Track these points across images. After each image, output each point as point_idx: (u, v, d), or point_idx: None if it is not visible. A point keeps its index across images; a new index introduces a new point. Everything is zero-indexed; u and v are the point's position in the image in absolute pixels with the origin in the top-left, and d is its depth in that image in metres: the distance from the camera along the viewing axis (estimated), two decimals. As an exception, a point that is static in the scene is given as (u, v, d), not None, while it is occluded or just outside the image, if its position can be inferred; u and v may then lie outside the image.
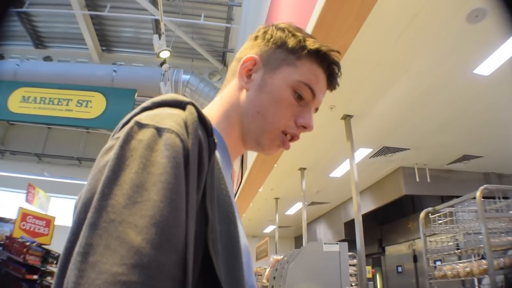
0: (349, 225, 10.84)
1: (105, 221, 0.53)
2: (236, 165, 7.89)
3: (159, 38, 8.31)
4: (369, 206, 9.68)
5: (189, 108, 0.69)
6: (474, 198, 3.49)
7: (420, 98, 5.56)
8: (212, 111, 0.95)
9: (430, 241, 4.16)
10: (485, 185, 3.51)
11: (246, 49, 0.99)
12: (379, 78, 5.03)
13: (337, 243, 4.28)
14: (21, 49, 13.15)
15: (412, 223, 9.01)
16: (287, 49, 0.93)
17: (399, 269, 9.40)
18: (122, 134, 0.63)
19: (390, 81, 5.10)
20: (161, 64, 8.69)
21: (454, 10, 3.85)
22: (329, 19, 2.33)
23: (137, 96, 9.71)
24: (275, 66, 0.93)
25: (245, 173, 6.06)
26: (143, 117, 0.65)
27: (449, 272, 3.73)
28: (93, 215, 0.54)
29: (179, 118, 0.66)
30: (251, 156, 5.32)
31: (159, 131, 0.62)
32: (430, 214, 4.14)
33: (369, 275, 8.92)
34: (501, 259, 3.56)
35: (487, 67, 4.71)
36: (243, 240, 0.76)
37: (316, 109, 1.00)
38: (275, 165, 5.87)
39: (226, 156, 0.90)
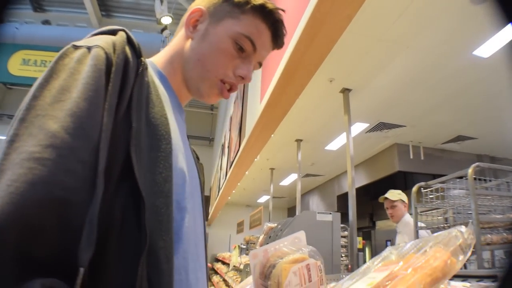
0: (342, 198, 10.98)
1: (32, 116, 0.61)
2: (234, 133, 7.94)
3: (161, 4, 8.25)
4: (362, 180, 9.79)
5: (120, 33, 0.81)
6: (466, 175, 3.57)
7: (419, 75, 5.60)
8: (160, 56, 1.02)
9: (421, 215, 4.27)
10: (477, 163, 3.59)
11: (198, 2, 1.04)
12: (380, 53, 5.06)
13: (330, 213, 4.37)
14: (19, 13, 13.04)
15: (404, 199, 9.12)
16: (233, 3, 0.97)
17: (388, 243, 9.58)
18: (58, 54, 0.72)
19: (390, 56, 5.13)
20: (162, 30, 8.65)
21: (458, -10, 3.87)
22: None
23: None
24: (219, 18, 0.97)
25: (242, 141, 6.11)
26: (80, 42, 0.75)
27: (438, 245, 3.85)
28: (23, 112, 0.62)
29: (109, 39, 0.76)
30: (249, 125, 5.37)
31: (89, 48, 0.72)
32: (422, 188, 4.23)
33: (360, 246, 9.13)
34: (489, 235, 3.68)
35: (486, 49, 4.74)
36: (181, 164, 0.82)
37: (260, 64, 1.04)
38: (272, 135, 5.92)
39: (172, 95, 0.96)
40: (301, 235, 0.91)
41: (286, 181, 12.81)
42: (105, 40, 0.75)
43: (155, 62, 1.00)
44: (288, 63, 3.22)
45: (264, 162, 10.16)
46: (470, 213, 3.56)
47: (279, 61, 3.52)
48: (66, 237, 0.56)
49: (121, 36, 0.79)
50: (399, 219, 4.65)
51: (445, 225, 3.98)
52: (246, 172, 8.89)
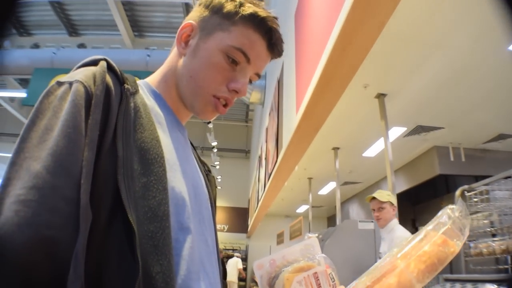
0: (383, 205, 10.82)
1: (21, 159, 0.63)
2: (270, 144, 7.96)
3: (192, 20, 8.40)
4: (402, 185, 9.63)
5: (101, 63, 0.81)
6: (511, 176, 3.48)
7: (455, 75, 5.50)
8: (155, 75, 1.02)
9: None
10: (522, 162, 3.50)
11: (190, 16, 1.02)
12: (414, 55, 5.00)
13: (372, 221, 4.33)
14: (55, 38, 13.49)
15: (446, 203, 8.79)
16: (223, 15, 0.94)
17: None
18: (43, 92, 0.74)
19: (424, 58, 5.06)
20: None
21: (490, -14, 3.80)
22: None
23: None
24: (209, 31, 0.95)
25: (280, 152, 6.12)
26: (64, 77, 0.76)
27: (485, 250, 3.75)
28: (13, 155, 0.65)
29: (90, 71, 0.76)
30: (286, 136, 5.39)
31: (70, 84, 0.72)
32: (465, 192, 4.14)
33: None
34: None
35: (522, 43, 4.63)
36: (179, 184, 0.83)
37: (258, 75, 1.02)
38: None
39: (169, 113, 0.96)
40: (313, 242, 0.86)
41: (325, 190, 12.72)
42: (85, 73, 0.76)
43: (150, 82, 0.99)
44: (323, 74, 3.22)
45: (301, 171, 10.13)
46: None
47: (313, 71, 3.53)
48: (57, 272, 0.59)
49: (101, 66, 0.79)
50: (386, 223, 4.14)
51: (495, 228, 3.88)
52: (285, 183, 8.90)
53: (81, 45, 13.35)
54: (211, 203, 1.04)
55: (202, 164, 1.14)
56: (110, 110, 0.74)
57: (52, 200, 0.61)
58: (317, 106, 3.91)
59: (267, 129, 9.17)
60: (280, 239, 14.03)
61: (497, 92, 5.97)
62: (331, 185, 11.72)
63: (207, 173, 1.13)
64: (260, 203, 11.07)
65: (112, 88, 0.77)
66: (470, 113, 6.76)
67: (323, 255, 0.81)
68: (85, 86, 0.72)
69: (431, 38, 4.64)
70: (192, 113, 1.03)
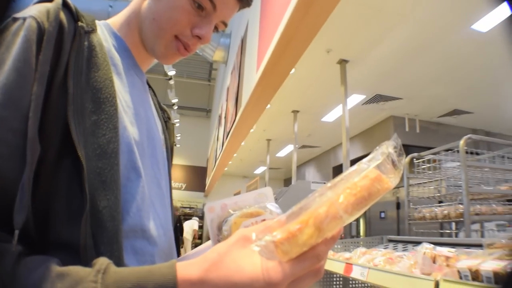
0: (338, 170, 11.04)
1: None
2: (230, 103, 7.94)
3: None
4: (358, 152, 9.84)
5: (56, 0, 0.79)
6: (458, 147, 3.61)
7: (418, 48, 5.59)
8: (117, 17, 0.99)
9: (412, 185, 4.32)
10: (469, 135, 3.62)
11: None
12: (379, 25, 5.04)
13: (325, 182, 4.39)
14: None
15: (398, 172, 9.19)
16: None
17: (382, 215, 9.66)
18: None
19: (389, 29, 5.11)
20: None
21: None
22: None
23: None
24: None
25: (239, 111, 6.13)
26: (19, 13, 0.75)
27: (428, 214, 3.92)
28: None
29: (44, 7, 0.75)
30: (246, 94, 5.38)
31: (24, 19, 0.71)
32: (415, 159, 4.27)
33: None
34: (478, 206, 3.74)
35: (485, 24, 4.73)
36: (131, 125, 0.83)
37: (225, 24, 0.99)
38: (269, 106, 5.94)
39: (128, 57, 0.95)
40: (267, 191, 0.86)
41: (283, 152, 12.87)
42: (39, 9, 0.74)
43: (111, 23, 0.96)
44: (284, 33, 3.21)
45: (260, 133, 10.19)
46: (461, 183, 3.60)
47: (275, 30, 3.51)
48: (2, 201, 0.60)
49: (56, 2, 0.77)
50: None
51: (440, 195, 4.05)
52: (242, 143, 8.92)
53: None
54: (166, 148, 1.04)
55: (162, 110, 1.13)
56: (62, 47, 0.73)
57: (3, 130, 0.62)
58: (277, 66, 3.91)
59: (228, 88, 9.12)
60: (236, 198, 14.15)
61: (456, 69, 6.13)
62: (289, 148, 11.85)
63: (166, 120, 1.12)
64: (217, 162, 11.11)
65: (66, 25, 0.76)
66: (428, 87, 6.93)
67: (275, 204, 0.80)
68: (37, 22, 0.71)
69: (397, 10, 4.68)
70: (153, 58, 1.01)
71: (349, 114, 5.41)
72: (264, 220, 0.75)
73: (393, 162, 0.68)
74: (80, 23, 0.79)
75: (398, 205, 9.19)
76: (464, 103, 7.65)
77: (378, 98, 7.59)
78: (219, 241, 0.77)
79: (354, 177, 0.65)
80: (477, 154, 4.18)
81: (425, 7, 4.61)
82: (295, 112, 8.45)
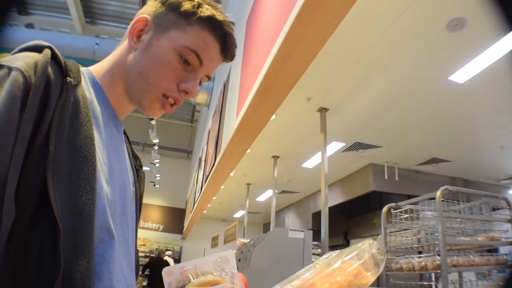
0: (317, 216, 11.02)
1: None
2: (210, 147, 7.95)
3: (145, 14, 8.29)
4: (337, 199, 9.86)
5: (45, 51, 0.77)
6: (435, 198, 3.63)
7: (396, 98, 5.70)
8: (100, 66, 0.97)
9: (390, 234, 4.31)
10: (445, 186, 3.66)
11: (144, 9, 0.99)
12: (358, 75, 5.14)
13: (302, 231, 4.37)
14: (3, 15, 12.85)
15: (378, 219, 9.21)
16: (179, 13, 0.92)
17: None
18: None
19: (368, 79, 5.22)
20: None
21: (435, 17, 3.97)
22: (310, 12, 2.40)
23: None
24: (164, 28, 0.92)
25: (218, 155, 6.12)
26: (4, 60, 0.73)
27: (405, 266, 3.90)
28: None
29: (32, 59, 0.72)
30: (226, 139, 5.39)
31: (9, 69, 0.68)
32: (392, 209, 4.28)
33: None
34: (455, 257, 3.73)
35: (462, 75, 4.86)
36: (106, 186, 0.81)
37: (208, 77, 1.00)
38: (249, 150, 5.95)
39: (107, 108, 0.92)
40: (229, 255, 0.83)
41: (262, 197, 12.81)
42: (26, 61, 0.72)
43: (94, 71, 0.95)
44: (263, 82, 3.26)
45: (240, 177, 10.16)
46: (437, 234, 3.61)
47: (255, 79, 3.56)
48: None
49: (45, 55, 0.75)
50: None
51: (418, 245, 4.03)
52: (222, 187, 8.88)
53: (29, 25, 12.75)
54: (136, 201, 1.02)
55: (135, 158, 1.11)
56: (48, 103, 0.71)
57: None
58: (256, 112, 3.95)
59: (209, 131, 9.15)
60: (214, 242, 13.97)
61: (434, 118, 6.24)
62: (269, 193, 11.81)
63: (137, 168, 1.10)
64: (196, 205, 11.01)
65: (53, 80, 0.73)
66: (406, 136, 7.03)
67: (235, 271, 0.80)
68: (24, 76, 0.68)
69: (376, 61, 4.79)
70: (134, 108, 1.00)
71: (328, 161, 5.43)
72: None
73: (375, 261, 0.68)
74: (68, 79, 0.77)
75: (376, 254, 9.18)
76: (442, 151, 7.77)
77: (357, 146, 7.66)
78: None
79: (336, 272, 0.66)
80: (457, 201, 4.21)
81: (403, 59, 4.72)
82: (275, 157, 8.46)
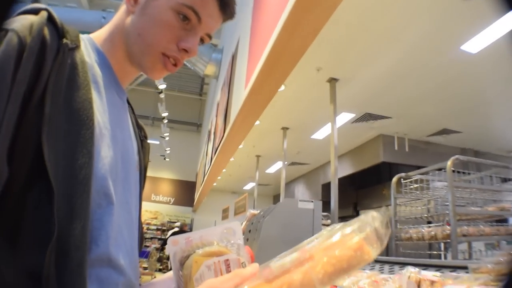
0: (327, 187, 11.00)
1: None
2: (219, 119, 7.93)
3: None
4: (347, 170, 9.86)
5: (42, 13, 0.76)
6: (445, 168, 3.62)
7: (407, 68, 5.63)
8: (100, 32, 0.97)
9: (400, 204, 4.31)
10: (456, 156, 3.64)
11: None
12: (368, 45, 5.07)
13: (312, 201, 4.39)
14: (11, -13, 12.82)
15: (387, 190, 9.16)
16: None
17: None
18: None
19: (378, 48, 5.15)
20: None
21: (447, -16, 3.88)
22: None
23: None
24: None
25: (227, 127, 6.11)
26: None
27: (415, 235, 3.91)
28: None
29: (27, 21, 0.72)
30: (234, 111, 5.37)
31: (6, 31, 0.68)
32: (402, 179, 4.28)
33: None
34: (465, 227, 3.74)
35: (474, 45, 4.78)
36: (106, 149, 0.80)
37: (210, 36, 0.99)
38: (258, 122, 5.93)
39: (109, 73, 0.92)
40: (235, 226, 0.82)
41: (272, 169, 12.85)
42: (22, 22, 0.71)
43: (94, 38, 0.95)
44: (272, 51, 3.22)
45: (250, 149, 10.18)
46: (448, 204, 3.60)
47: (263, 49, 3.52)
48: None
49: (41, 16, 0.75)
50: None
51: (428, 215, 4.04)
52: (232, 159, 8.90)
53: (36, 0, 12.76)
54: (140, 170, 1.01)
55: (139, 128, 1.10)
56: (43, 64, 0.70)
57: None
58: (265, 83, 3.92)
59: (218, 103, 9.12)
60: (225, 214, 14.09)
61: (445, 89, 6.17)
62: (279, 164, 11.83)
63: (142, 138, 1.09)
64: (206, 177, 11.06)
65: (49, 41, 0.73)
66: (417, 106, 6.97)
67: (241, 242, 0.79)
68: (19, 37, 0.68)
69: (386, 30, 4.71)
70: (138, 73, 1.01)
71: (338, 132, 5.41)
72: (227, 260, 0.74)
73: (378, 235, 0.66)
74: (64, 40, 0.77)
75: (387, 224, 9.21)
76: (453, 122, 7.70)
77: (367, 117, 7.62)
78: (180, 276, 0.74)
79: (335, 245, 0.64)
80: (464, 173, 4.19)
81: (414, 28, 4.64)
82: (285, 129, 8.45)
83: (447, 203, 3.62)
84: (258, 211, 5.05)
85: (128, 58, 0.95)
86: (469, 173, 4.28)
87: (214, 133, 9.23)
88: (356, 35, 4.85)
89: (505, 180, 4.29)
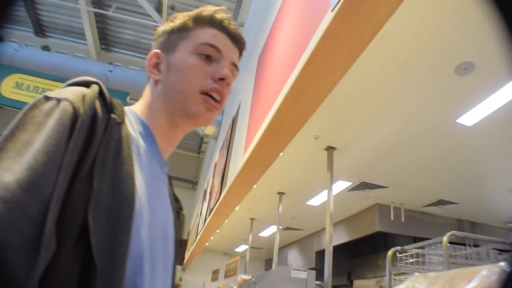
0: (321, 255, 10.86)
1: None
2: (216, 180, 7.94)
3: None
4: (342, 238, 9.75)
5: (93, 86, 0.79)
6: (442, 242, 3.59)
7: (404, 139, 5.69)
8: (139, 105, 1.01)
9: (395, 279, 4.24)
10: (452, 231, 3.61)
11: (152, 48, 1.06)
12: (366, 115, 5.15)
13: (305, 270, 4.33)
14: (21, 34, 13.18)
15: (382, 260, 9.06)
16: (178, 29, 1.00)
17: (365, 304, 9.46)
18: (28, 104, 0.70)
19: (376, 119, 5.23)
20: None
21: (444, 61, 3.99)
22: (322, 55, 2.44)
23: (129, 99, 9.73)
24: (173, 47, 0.99)
25: (224, 190, 6.11)
26: (52, 93, 0.74)
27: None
28: None
29: (80, 92, 0.74)
30: (232, 174, 5.39)
31: (58, 101, 0.69)
32: (398, 253, 4.23)
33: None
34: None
35: (470, 118, 4.86)
36: (145, 227, 0.79)
37: (236, 67, 1.04)
38: (255, 186, 5.93)
39: (152, 145, 0.93)
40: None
41: (266, 233, 12.69)
42: (75, 93, 0.73)
43: (135, 110, 0.97)
44: (272, 121, 3.28)
45: (245, 211, 10.10)
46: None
47: (264, 117, 3.59)
48: None
49: (93, 89, 0.77)
50: None
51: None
52: (226, 221, 8.83)
53: (45, 47, 13.01)
54: (175, 243, 1.00)
55: (176, 200, 1.10)
56: (93, 138, 0.71)
57: (17, 217, 0.55)
58: (264, 151, 3.96)
59: (215, 164, 9.15)
60: (215, 275, 13.79)
61: (441, 160, 6.22)
62: (273, 229, 11.72)
63: (178, 210, 1.09)
64: (198, 237, 10.93)
65: (100, 115, 0.74)
66: (414, 177, 6.99)
67: None
68: (73, 107, 0.69)
69: (385, 102, 4.81)
70: (180, 137, 1.04)
71: (334, 199, 5.40)
72: None
73: None
74: (112, 115, 0.78)
75: (381, 297, 9.01)
76: (449, 193, 7.70)
77: (364, 186, 7.62)
78: None
79: None
80: (464, 245, 4.16)
81: (412, 101, 4.74)
82: (281, 193, 8.42)
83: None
84: (250, 277, 4.96)
85: (171, 122, 0.98)
86: (465, 247, 4.24)
87: (210, 193, 9.20)
88: (354, 105, 4.94)
89: (500, 252, 4.24)
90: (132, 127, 0.88)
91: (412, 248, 4.17)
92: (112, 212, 0.70)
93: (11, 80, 11.03)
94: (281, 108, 3.02)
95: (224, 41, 0.99)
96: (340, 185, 7.58)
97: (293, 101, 2.90)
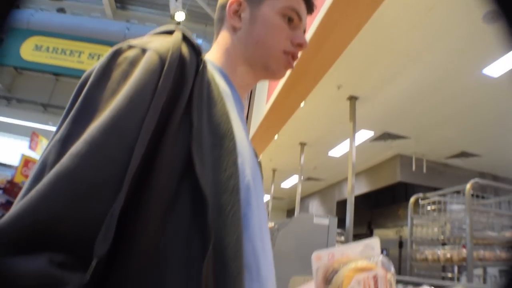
0: (341, 204, 10.99)
1: (82, 118, 0.64)
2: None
3: (176, 0, 8.31)
4: (363, 188, 9.82)
5: (176, 33, 0.80)
6: (464, 191, 3.61)
7: (427, 89, 5.63)
8: (214, 53, 1.02)
9: (416, 225, 4.30)
10: (476, 179, 3.63)
11: None
12: (390, 64, 5.09)
13: (327, 217, 4.39)
14: (36, 0, 13.08)
15: (403, 210, 9.15)
16: None
17: (384, 252, 9.58)
18: (111, 50, 0.73)
19: (400, 68, 5.16)
20: (174, 26, 8.73)
21: (471, 8, 3.88)
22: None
23: (148, 55, 9.70)
24: (258, 1, 0.99)
25: (247, 140, 6.15)
26: (134, 41, 0.76)
27: (430, 256, 3.89)
28: (74, 112, 0.65)
29: (164, 40, 0.75)
30: (254, 124, 5.41)
31: (143, 50, 0.71)
32: (420, 199, 4.27)
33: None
34: (481, 251, 3.71)
35: (496, 69, 4.77)
36: (245, 161, 0.80)
37: (304, 31, 1.06)
38: (276, 136, 5.97)
39: (234, 92, 0.96)
40: (374, 242, 0.83)
41: (288, 183, 12.83)
42: (160, 42, 0.74)
43: (211, 58, 0.99)
44: (295, 68, 3.26)
45: (267, 162, 10.20)
46: (465, 227, 3.59)
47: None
48: (86, 228, 0.57)
49: (176, 36, 0.78)
50: None
51: (444, 238, 4.02)
52: (248, 172, 8.93)
53: (61, 10, 12.92)
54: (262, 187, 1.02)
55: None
56: (184, 79, 0.72)
57: (97, 157, 0.59)
58: (286, 99, 3.96)
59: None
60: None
61: (465, 111, 6.15)
62: (294, 179, 11.81)
63: (255, 157, 1.07)
64: (221, 188, 11.08)
65: (188, 58, 0.75)
66: (437, 128, 6.94)
67: (385, 258, 0.79)
68: (159, 54, 0.71)
69: (409, 50, 4.73)
70: (259, 79, 1.06)
71: (356, 150, 5.42)
72: (375, 276, 0.75)
73: None
74: (202, 57, 0.81)
75: (401, 244, 9.12)
76: (472, 145, 7.65)
77: (386, 136, 7.60)
78: None
79: None
80: (483, 197, 4.17)
81: (437, 50, 4.65)
82: (303, 144, 8.47)
83: (464, 227, 3.61)
84: (273, 224, 5.05)
85: (249, 70, 1.01)
86: (487, 197, 4.25)
87: (233, 144, 9.26)
88: (378, 55, 4.88)
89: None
90: (214, 73, 0.89)
91: (434, 195, 4.20)
92: (215, 148, 0.73)
93: (30, 43, 11.07)
94: (305, 54, 2.99)
95: (303, 7, 1.01)
96: (362, 135, 7.60)
97: (317, 47, 2.87)
